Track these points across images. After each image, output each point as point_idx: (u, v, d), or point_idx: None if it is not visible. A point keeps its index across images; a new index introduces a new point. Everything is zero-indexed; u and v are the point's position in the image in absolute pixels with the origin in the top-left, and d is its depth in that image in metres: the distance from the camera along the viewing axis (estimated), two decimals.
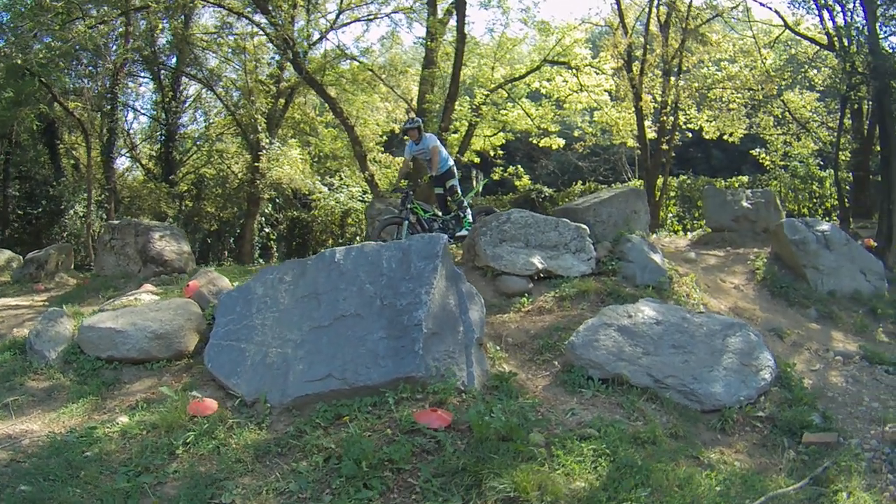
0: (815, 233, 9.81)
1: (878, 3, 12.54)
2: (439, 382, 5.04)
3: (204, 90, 25.01)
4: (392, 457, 4.25)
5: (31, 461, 5.20)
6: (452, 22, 17.70)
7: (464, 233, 10.49)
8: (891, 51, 13.20)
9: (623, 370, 5.63)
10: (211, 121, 26.17)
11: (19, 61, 16.97)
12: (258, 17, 18.37)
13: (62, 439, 5.63)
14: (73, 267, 16.17)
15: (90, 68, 20.74)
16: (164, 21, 20.26)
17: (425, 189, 14.13)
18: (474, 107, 17.68)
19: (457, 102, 17.07)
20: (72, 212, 24.29)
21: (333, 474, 4.33)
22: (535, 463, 4.12)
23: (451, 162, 11.06)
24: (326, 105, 22.57)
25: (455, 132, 17.75)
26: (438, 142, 11.13)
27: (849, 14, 14.25)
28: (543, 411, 5.03)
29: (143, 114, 26.79)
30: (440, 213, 10.91)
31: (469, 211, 10.92)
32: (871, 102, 14.73)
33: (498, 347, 6.20)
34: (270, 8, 16.32)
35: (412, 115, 13.41)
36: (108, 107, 22.29)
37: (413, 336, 5.19)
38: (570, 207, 10.04)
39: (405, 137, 21.37)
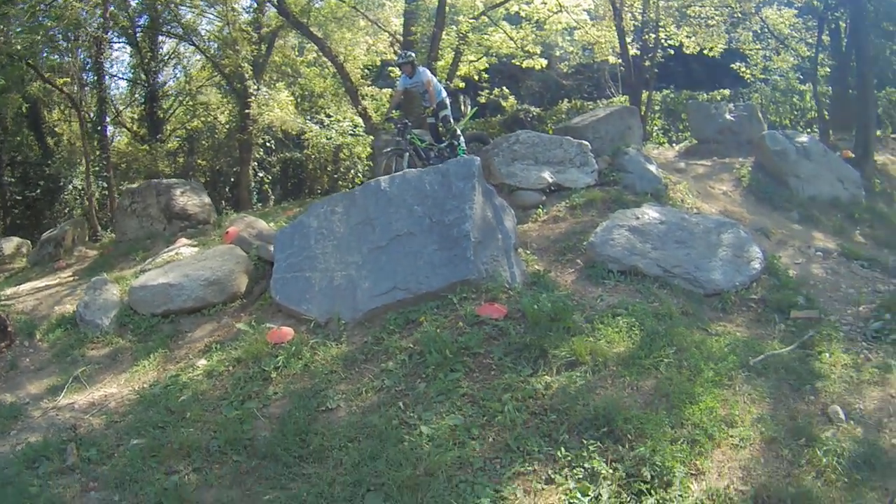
0: (795, 144, 10.85)
1: None
2: (489, 282, 5.96)
3: (181, 45, 25.11)
4: (467, 344, 5.18)
5: (127, 419, 5.83)
6: None
7: (461, 157, 10.25)
8: None
9: (637, 262, 6.60)
10: (191, 75, 26.38)
11: (10, 50, 17.48)
12: None
13: (150, 392, 6.22)
14: (87, 239, 16.52)
15: (64, 43, 20.77)
16: None
17: (418, 118, 14.17)
18: (461, 35, 18.01)
19: (443, 31, 17.37)
20: (70, 187, 24.67)
21: (420, 366, 5.19)
22: (584, 335, 5.12)
23: (445, 93, 10.98)
24: (306, 45, 22.80)
25: (440, 60, 18.14)
26: (431, 74, 11.03)
27: None
28: (577, 299, 5.98)
29: (122, 78, 27.14)
30: (434, 143, 10.86)
31: (462, 139, 10.80)
32: (847, 22, 15.35)
33: (527, 251, 7.12)
34: None
35: (402, 49, 13.37)
36: (95, 77, 22.73)
37: (464, 245, 6.09)
38: (571, 125, 11.01)
39: (393, 70, 21.76)
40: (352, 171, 22.73)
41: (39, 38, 17.50)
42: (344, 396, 5.25)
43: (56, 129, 25.75)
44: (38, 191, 23.80)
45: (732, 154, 12.08)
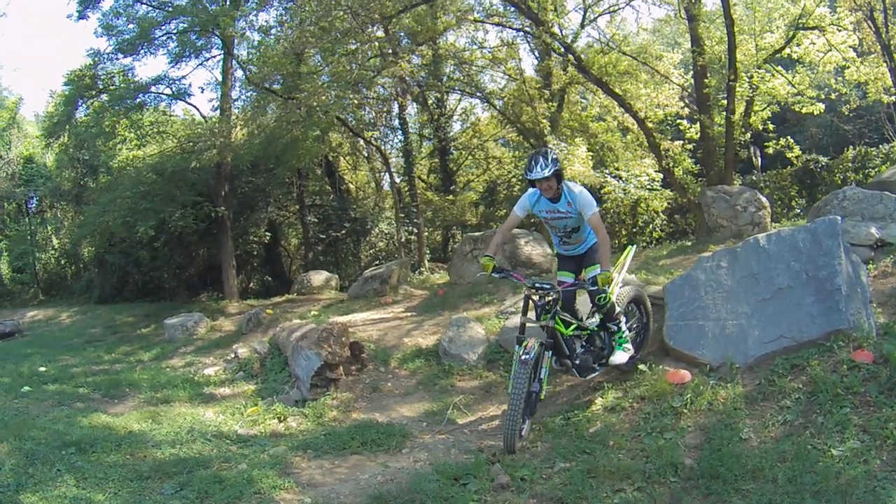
0: None
1: None
2: (856, 331, 7.32)
3: (466, 100, 28.05)
4: (850, 384, 6.56)
5: (537, 445, 7.02)
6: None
7: (620, 357, 7.80)
8: None
9: None
10: (479, 130, 29.08)
11: (337, 115, 20.56)
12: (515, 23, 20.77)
13: (552, 422, 7.44)
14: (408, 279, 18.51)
15: (369, 99, 23.56)
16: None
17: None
18: (753, 86, 18.85)
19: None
20: (376, 230, 28.11)
21: (814, 403, 6.50)
22: None
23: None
24: (589, 100, 24.80)
25: (734, 114, 18.64)
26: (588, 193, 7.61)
27: None
28: None
29: (414, 132, 30.19)
30: (581, 321, 7.82)
31: (624, 319, 8.01)
32: None
33: (872, 304, 8.33)
34: (536, 10, 18.22)
35: (544, 151, 7.79)
36: (401, 132, 26.03)
37: (836, 298, 7.48)
38: (884, 180, 11.96)
39: (681, 123, 22.44)
40: (649, 226, 23.98)
41: (349, 96, 19.78)
42: (752, 428, 6.41)
43: (345, 177, 29.62)
44: (344, 231, 27.25)
45: None
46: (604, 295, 7.35)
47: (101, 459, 6.82)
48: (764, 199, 15.36)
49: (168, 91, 22.79)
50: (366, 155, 31.55)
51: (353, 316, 13.11)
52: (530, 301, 7.34)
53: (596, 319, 7.79)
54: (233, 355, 12.30)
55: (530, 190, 7.58)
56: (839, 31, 19.64)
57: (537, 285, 7.30)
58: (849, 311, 7.49)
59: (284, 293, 22.51)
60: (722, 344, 7.86)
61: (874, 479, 5.35)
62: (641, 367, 8.02)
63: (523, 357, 6.86)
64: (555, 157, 7.27)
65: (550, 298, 7.19)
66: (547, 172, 7.14)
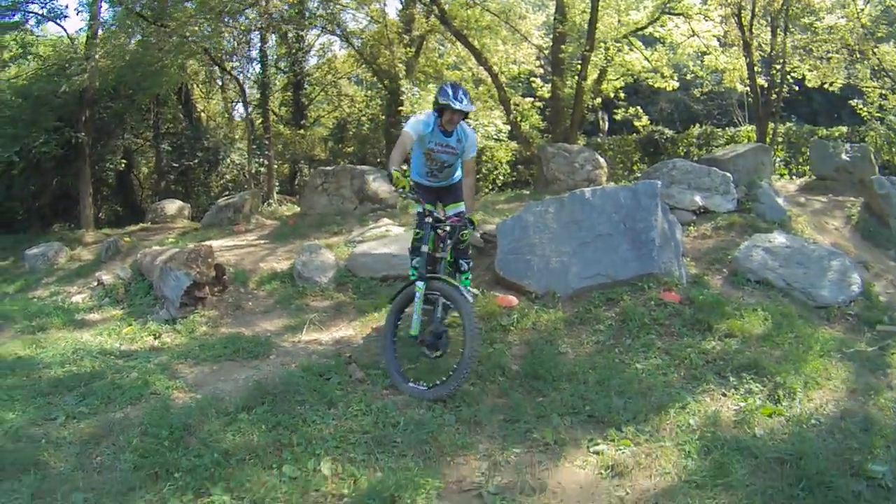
0: None
1: None
2: (667, 277, 8.59)
3: (325, 36, 28.24)
4: (656, 317, 7.84)
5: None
6: None
7: (470, 295, 6.98)
8: None
9: (768, 275, 9.20)
10: (334, 67, 29.43)
11: (205, 45, 20.36)
12: None
13: (399, 333, 7.77)
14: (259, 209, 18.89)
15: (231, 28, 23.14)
16: None
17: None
18: (608, 58, 20.11)
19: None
20: (227, 160, 27.82)
21: (624, 329, 7.70)
22: (735, 318, 7.81)
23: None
24: (446, 49, 25.24)
25: (586, 80, 19.98)
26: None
27: None
28: (726, 296, 8.63)
29: (270, 65, 29.66)
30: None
31: (471, 262, 8.09)
32: None
33: (686, 258, 9.75)
34: None
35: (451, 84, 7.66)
36: (259, 64, 25.87)
37: (650, 248, 8.73)
38: (716, 157, 13.45)
39: (535, 81, 23.34)
40: (493, 174, 24.68)
41: (213, 25, 19.82)
42: (570, 345, 7.46)
43: (198, 105, 29.07)
44: (196, 161, 26.73)
45: (846, 192, 14.12)
46: (468, 231, 7.37)
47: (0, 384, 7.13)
48: (602, 160, 16.81)
49: (41, 11, 22.16)
50: (220, 84, 31.36)
51: (209, 243, 12.92)
52: (436, 232, 7.15)
53: (447, 255, 7.27)
54: (96, 283, 12.40)
55: (423, 116, 7.34)
56: (706, 20, 21.18)
57: (435, 215, 7.15)
58: (661, 259, 8.75)
59: (137, 222, 22.32)
60: (546, 276, 8.85)
61: (672, 387, 6.53)
62: (475, 290, 8.61)
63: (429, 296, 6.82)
64: (471, 103, 7.18)
65: (447, 230, 7.10)
66: (471, 108, 7.16)
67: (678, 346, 7.37)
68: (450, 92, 7.00)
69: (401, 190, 6.78)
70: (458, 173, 7.75)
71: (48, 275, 15.03)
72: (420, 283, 6.74)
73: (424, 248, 6.98)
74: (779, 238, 10.07)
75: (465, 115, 7.17)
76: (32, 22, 23.23)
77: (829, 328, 8.41)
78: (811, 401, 6.32)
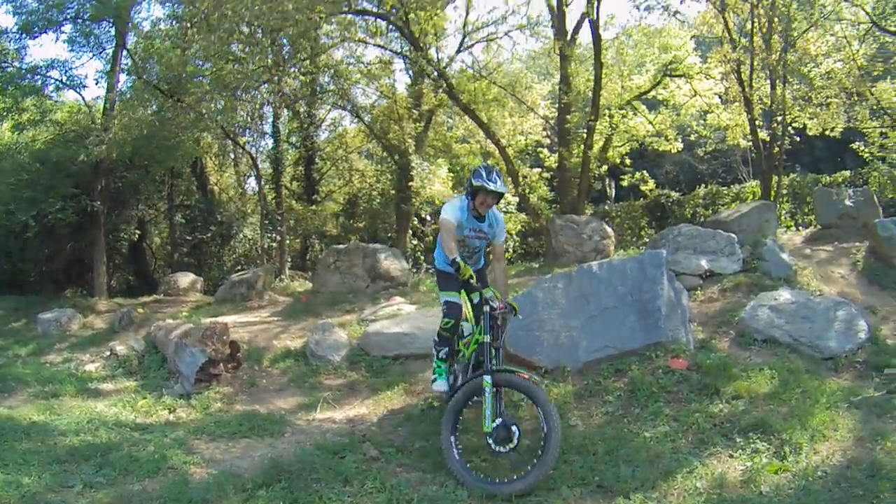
0: None
1: None
2: (674, 344, 8.86)
3: (336, 111, 28.55)
4: (664, 385, 8.15)
5: (399, 430, 7.89)
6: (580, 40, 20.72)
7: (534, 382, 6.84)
8: None
9: (774, 333, 9.47)
10: (345, 142, 29.59)
11: (219, 120, 20.70)
12: (395, 45, 21.79)
13: (410, 410, 8.42)
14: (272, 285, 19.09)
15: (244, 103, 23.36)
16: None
17: None
18: (613, 125, 20.53)
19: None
20: (240, 235, 28.05)
21: (633, 399, 7.99)
22: (741, 380, 8.10)
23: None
24: (455, 122, 25.65)
25: (591, 148, 20.23)
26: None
27: None
28: (733, 358, 8.93)
29: (286, 142, 30.29)
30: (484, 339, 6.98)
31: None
32: None
33: (693, 323, 10.04)
34: (417, 36, 19.21)
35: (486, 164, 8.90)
36: (272, 139, 26.34)
37: (656, 317, 9.01)
38: (720, 219, 13.84)
39: (542, 152, 24.04)
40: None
41: (227, 101, 20.00)
42: (579, 417, 7.68)
43: (210, 178, 29.22)
44: (209, 234, 26.85)
45: (851, 239, 14.25)
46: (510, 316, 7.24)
47: (15, 448, 7.28)
48: (609, 229, 17.00)
49: (62, 77, 22.54)
50: (233, 158, 31.60)
51: (223, 318, 13.45)
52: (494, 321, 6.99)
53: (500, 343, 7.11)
54: (109, 352, 12.60)
55: (458, 201, 7.40)
56: (707, 79, 21.61)
57: (493, 304, 6.91)
58: (667, 327, 9.04)
59: (149, 293, 22.52)
60: (556, 351, 9.03)
61: (679, 452, 6.80)
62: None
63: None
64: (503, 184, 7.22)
65: (499, 316, 7.02)
66: (504, 189, 7.19)
67: (686, 412, 7.65)
68: (483, 174, 7.09)
69: (468, 278, 6.79)
70: (483, 259, 7.94)
71: (61, 340, 15.25)
72: (487, 378, 6.53)
73: (469, 335, 7.50)
74: (784, 294, 10.34)
75: (499, 197, 7.25)
76: (51, 88, 23.67)
77: (836, 378, 8.57)
78: (817, 453, 6.57)
